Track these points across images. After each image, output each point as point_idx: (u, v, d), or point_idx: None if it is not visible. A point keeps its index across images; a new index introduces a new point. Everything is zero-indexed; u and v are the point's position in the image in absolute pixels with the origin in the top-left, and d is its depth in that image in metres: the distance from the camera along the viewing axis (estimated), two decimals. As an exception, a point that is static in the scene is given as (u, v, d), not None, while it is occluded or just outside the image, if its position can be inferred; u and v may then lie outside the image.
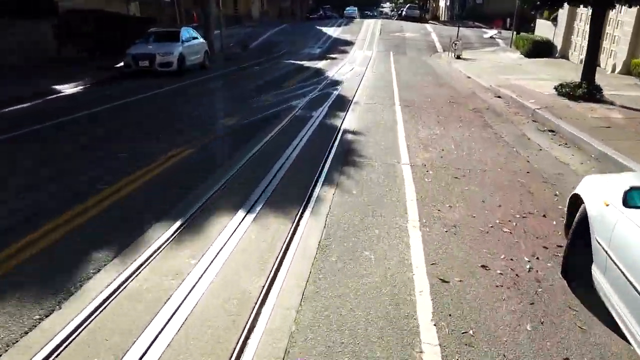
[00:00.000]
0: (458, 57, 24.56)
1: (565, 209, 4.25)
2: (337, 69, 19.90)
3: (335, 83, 15.78)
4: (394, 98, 13.26)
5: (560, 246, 4.27)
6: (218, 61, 22.76)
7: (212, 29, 25.00)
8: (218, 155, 7.54)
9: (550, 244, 4.42)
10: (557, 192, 5.80)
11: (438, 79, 17.43)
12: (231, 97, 13.45)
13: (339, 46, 29.99)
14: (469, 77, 17.64)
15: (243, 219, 4.81)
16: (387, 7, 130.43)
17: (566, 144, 8.28)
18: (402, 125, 9.60)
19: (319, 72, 18.69)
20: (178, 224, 4.66)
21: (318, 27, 39.94)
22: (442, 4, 61.61)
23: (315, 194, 5.55)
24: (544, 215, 5.10)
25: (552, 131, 9.17)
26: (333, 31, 37.46)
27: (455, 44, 25.09)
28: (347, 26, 41.64)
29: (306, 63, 22.10)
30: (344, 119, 10.19)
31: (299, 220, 4.79)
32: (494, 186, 6.01)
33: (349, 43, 31.26)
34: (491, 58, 24.55)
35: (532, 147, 8.06)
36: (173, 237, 4.40)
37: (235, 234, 4.47)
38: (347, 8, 62.73)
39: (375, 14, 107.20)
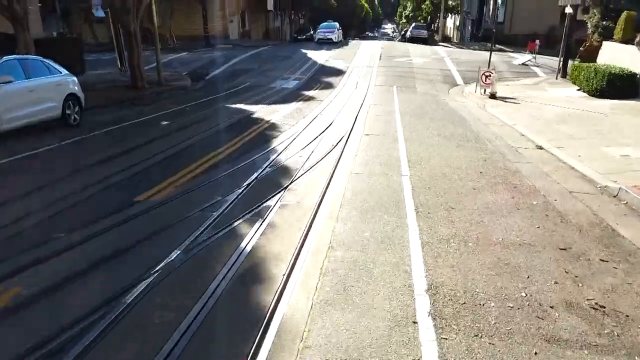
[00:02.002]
0: (493, 96, 16.82)
1: None
2: (304, 124, 12.16)
3: (284, 175, 8.00)
4: (406, 231, 5.53)
5: None
6: (125, 105, 15.13)
7: (136, 52, 17.33)
8: None
9: None
10: None
11: (480, 149, 9.62)
12: None
13: (324, 77, 22.36)
14: (539, 148, 9.81)
15: None
16: (388, 28, 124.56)
17: None
18: None
19: (268, 137, 10.94)
20: None
21: (304, 51, 32.52)
22: (449, 23, 54.39)
23: None
24: None
25: None
26: (322, 55, 29.99)
27: (488, 76, 17.36)
28: (340, 49, 34.16)
29: (263, 109, 14.39)
30: None
31: None
32: None
33: (339, 72, 23.64)
34: (542, 98, 16.76)
35: None
36: None
37: None
38: (321, 26, 40.54)
39: (377, 35, 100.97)
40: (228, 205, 6.44)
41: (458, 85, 21.03)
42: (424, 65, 25.57)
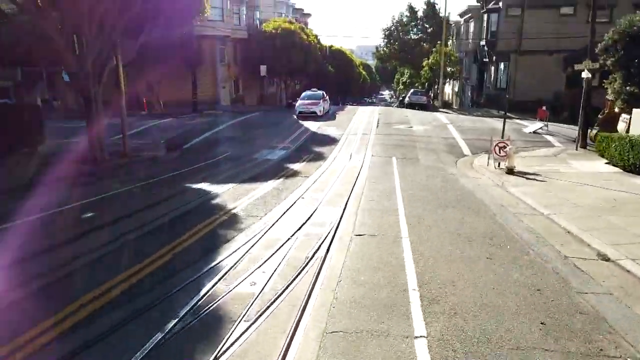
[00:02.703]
0: (510, 171, 14.26)
1: None
2: (276, 215, 9.41)
3: (211, 336, 5.10)
4: None
5: None
6: (68, 182, 12.48)
7: (96, 121, 14.99)
8: None
9: None
10: None
11: (522, 263, 6.76)
12: None
13: (315, 146, 20.02)
14: (604, 258, 6.96)
15: None
16: (386, 94, 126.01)
17: None
18: None
19: (216, 242, 8.07)
20: None
21: (296, 117, 30.65)
22: (448, 89, 53.54)
23: None
24: None
25: None
26: (315, 122, 28.01)
27: (502, 147, 14.92)
28: (336, 114, 32.32)
29: (232, 191, 11.73)
30: None
31: None
32: None
33: (332, 141, 21.35)
34: (569, 174, 14.18)
35: None
36: None
37: None
38: (303, 95, 32.31)
39: (375, 100, 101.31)
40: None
41: (465, 156, 18.61)
42: (425, 133, 23.36)
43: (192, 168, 15.17)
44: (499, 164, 15.34)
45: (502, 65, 34.36)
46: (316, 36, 49.49)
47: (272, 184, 12.36)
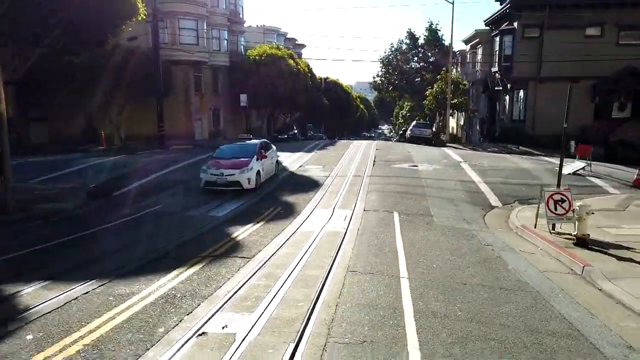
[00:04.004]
0: (582, 242, 8.96)
1: None
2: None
3: None
4: None
5: None
6: None
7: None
8: None
9: None
10: None
11: None
12: None
13: (288, 193, 14.78)
14: None
15: None
16: (385, 129, 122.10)
17: None
18: None
19: None
20: None
21: (279, 152, 25.55)
22: (452, 123, 48.67)
23: None
24: None
25: None
26: (297, 158, 22.88)
27: (560, 201, 9.70)
28: (323, 150, 27.21)
29: (73, 309, 6.39)
30: None
31: None
32: None
33: (313, 186, 16.12)
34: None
35: None
36: None
37: None
38: (219, 152, 16.19)
39: (373, 135, 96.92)
40: None
41: (494, 207, 13.38)
42: (435, 175, 18.16)
43: (83, 234, 9.87)
44: (552, 226, 10.10)
45: (520, 94, 29.50)
46: (308, 65, 45.17)
47: (168, 284, 6.93)
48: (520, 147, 27.15)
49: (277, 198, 13.97)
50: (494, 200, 14.27)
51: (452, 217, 11.97)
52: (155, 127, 29.41)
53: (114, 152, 26.16)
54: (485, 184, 16.49)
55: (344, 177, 17.55)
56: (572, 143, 26.70)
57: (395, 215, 11.73)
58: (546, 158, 24.13)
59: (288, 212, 12.12)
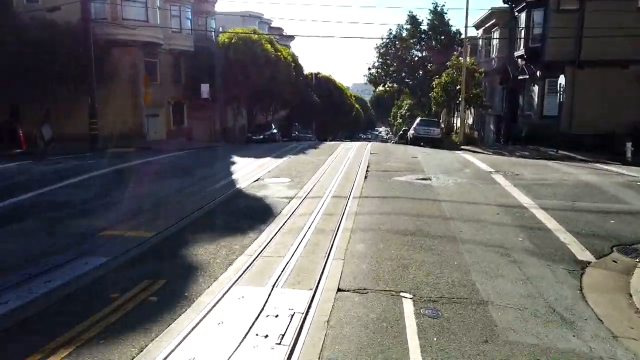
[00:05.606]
0: None
1: None
2: None
3: None
4: None
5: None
6: None
7: None
8: None
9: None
10: None
11: None
12: None
13: (212, 235, 8.39)
14: None
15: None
16: (382, 131, 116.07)
17: None
18: None
19: None
20: None
21: (236, 158, 19.11)
22: (457, 120, 42.24)
23: None
24: None
25: None
26: (260, 167, 16.40)
27: None
28: (299, 155, 20.62)
29: None
30: None
31: None
32: None
33: (260, 217, 9.71)
34: None
35: None
36: None
37: None
38: None
39: (370, 136, 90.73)
40: None
41: (583, 262, 7.04)
42: (460, 195, 11.73)
43: None
44: None
45: (556, 83, 22.98)
46: (292, 54, 38.80)
47: None
48: (560, 151, 20.73)
49: (162, 256, 7.45)
50: (575, 246, 7.88)
51: (525, 302, 5.57)
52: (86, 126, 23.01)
53: (32, 155, 19.91)
54: (544, 210, 10.08)
55: (318, 198, 11.07)
56: (629, 145, 20.31)
57: (407, 306, 5.31)
58: (600, 165, 17.78)
59: (158, 308, 5.65)
